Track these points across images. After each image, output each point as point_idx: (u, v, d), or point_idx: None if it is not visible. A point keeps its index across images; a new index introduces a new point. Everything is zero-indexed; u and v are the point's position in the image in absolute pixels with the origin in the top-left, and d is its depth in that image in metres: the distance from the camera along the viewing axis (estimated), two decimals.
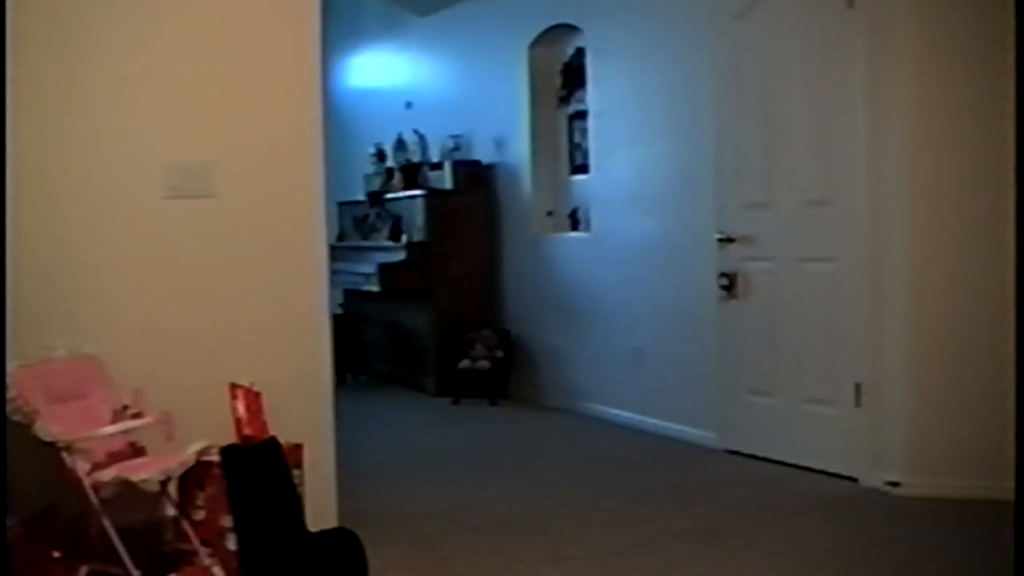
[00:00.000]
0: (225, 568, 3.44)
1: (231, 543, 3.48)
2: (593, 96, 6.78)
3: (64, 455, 3.22)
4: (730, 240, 5.43)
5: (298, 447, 3.79)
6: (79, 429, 3.29)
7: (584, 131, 7.00)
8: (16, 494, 3.19)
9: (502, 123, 7.56)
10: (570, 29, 7.02)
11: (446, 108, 8.13)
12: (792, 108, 5.11)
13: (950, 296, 4.65)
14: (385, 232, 8.11)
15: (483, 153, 7.77)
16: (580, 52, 6.98)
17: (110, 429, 3.38)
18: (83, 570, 3.35)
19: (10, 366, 3.19)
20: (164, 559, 3.52)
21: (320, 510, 3.87)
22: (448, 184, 7.70)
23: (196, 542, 3.47)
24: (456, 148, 7.88)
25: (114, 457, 3.38)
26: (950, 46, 4.61)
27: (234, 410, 3.59)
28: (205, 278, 3.85)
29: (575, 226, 7.18)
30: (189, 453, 3.37)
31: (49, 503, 3.45)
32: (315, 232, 4.03)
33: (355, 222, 8.74)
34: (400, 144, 8.45)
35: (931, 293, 4.67)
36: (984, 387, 4.53)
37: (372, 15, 9.07)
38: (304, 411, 3.95)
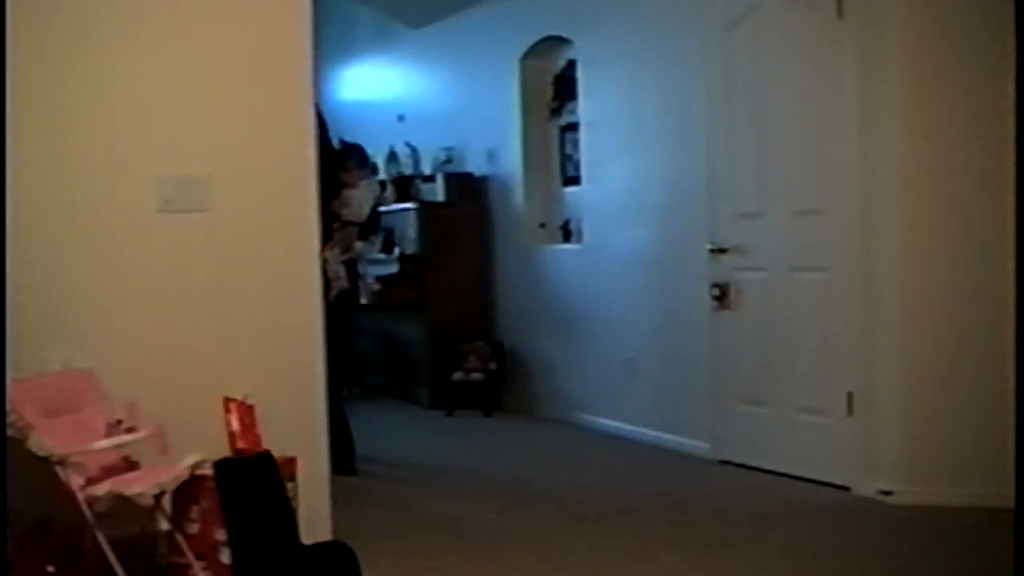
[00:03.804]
0: None
1: (225, 557, 3.48)
2: (585, 108, 6.80)
3: (58, 469, 3.22)
4: (722, 250, 5.44)
5: (292, 460, 3.79)
6: (73, 443, 3.29)
7: (576, 143, 7.01)
8: (10, 508, 3.19)
9: (494, 135, 7.57)
10: (561, 41, 7.04)
11: (438, 120, 8.15)
12: (783, 118, 5.13)
13: (942, 305, 4.66)
14: (378, 244, 8.10)
15: (475, 165, 7.78)
16: (571, 64, 7.00)
17: (104, 443, 3.38)
18: None
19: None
20: (158, 573, 3.52)
21: (314, 523, 3.87)
22: (440, 196, 7.71)
23: (190, 556, 3.47)
24: (448, 160, 7.90)
25: (108, 471, 3.38)
26: (941, 55, 4.64)
27: (228, 423, 3.59)
28: (199, 291, 3.85)
29: (567, 238, 7.19)
30: (183, 467, 3.37)
31: (43, 517, 3.44)
32: (308, 245, 4.04)
33: None
34: (392, 156, 8.46)
35: (923, 302, 4.68)
36: (976, 395, 4.54)
37: (364, 28, 9.10)
38: (298, 424, 3.95)
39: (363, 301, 5.96)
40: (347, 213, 5.56)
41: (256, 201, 3.94)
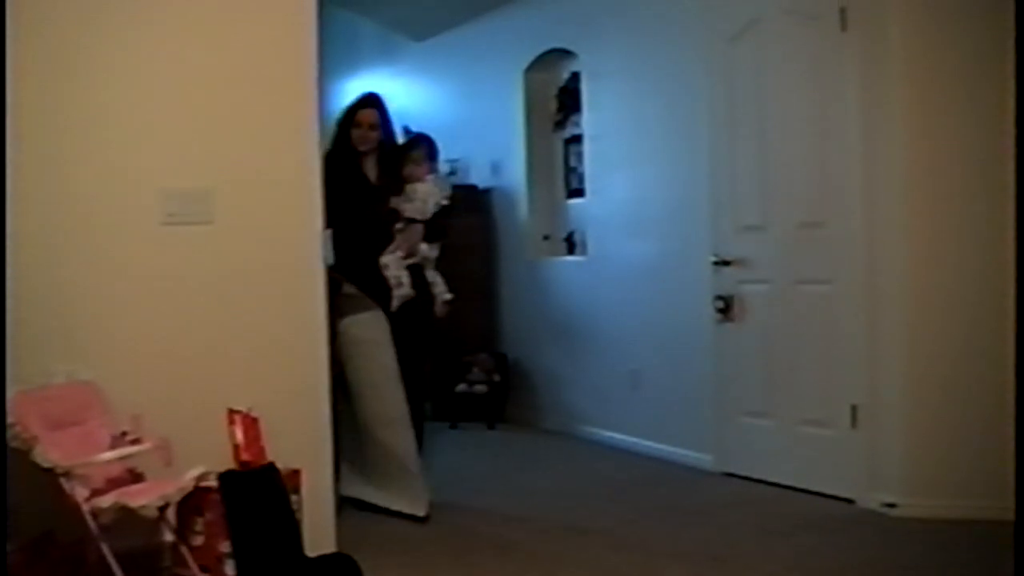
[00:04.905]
0: None
1: (230, 568, 3.48)
2: (588, 120, 6.82)
3: (63, 481, 3.22)
4: (725, 263, 5.45)
5: (296, 472, 3.79)
6: (78, 455, 3.30)
7: (580, 155, 7.03)
8: (15, 520, 3.20)
9: (498, 147, 7.59)
10: (565, 54, 7.06)
11: (442, 133, 8.04)
12: (786, 130, 5.14)
13: (946, 317, 4.66)
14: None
15: (479, 177, 7.79)
16: (575, 76, 7.02)
17: (109, 455, 3.39)
18: None
19: (9, 392, 3.20)
20: None
21: (318, 535, 3.87)
22: None
23: (195, 568, 3.47)
24: (452, 172, 7.90)
25: (113, 483, 3.39)
26: (944, 68, 4.64)
27: (232, 435, 3.60)
28: (203, 304, 3.86)
29: (571, 250, 7.20)
30: (187, 479, 3.37)
31: (48, 529, 3.45)
32: (312, 257, 4.05)
33: None
34: None
35: (927, 314, 4.69)
36: (980, 408, 4.54)
37: (368, 41, 9.12)
38: (302, 436, 3.95)
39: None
40: (410, 209, 4.93)
41: (260, 214, 3.95)
